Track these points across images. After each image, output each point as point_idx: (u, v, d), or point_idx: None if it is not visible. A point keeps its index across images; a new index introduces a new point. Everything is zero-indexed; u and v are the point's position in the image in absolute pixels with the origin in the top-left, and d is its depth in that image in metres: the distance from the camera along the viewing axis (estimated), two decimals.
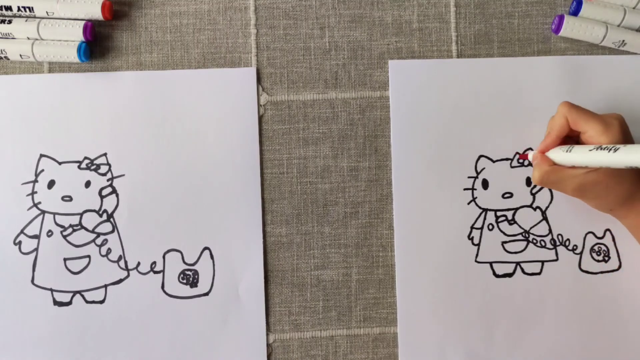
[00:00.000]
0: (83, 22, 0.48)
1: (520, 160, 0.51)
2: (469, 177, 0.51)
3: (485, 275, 0.50)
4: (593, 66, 0.51)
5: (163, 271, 0.49)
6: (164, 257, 0.49)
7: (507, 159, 0.51)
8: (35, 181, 0.49)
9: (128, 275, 0.49)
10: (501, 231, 0.50)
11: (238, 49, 0.51)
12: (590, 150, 0.42)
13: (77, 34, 0.48)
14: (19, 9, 0.48)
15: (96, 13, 0.48)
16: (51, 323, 0.48)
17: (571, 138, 0.46)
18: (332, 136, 0.51)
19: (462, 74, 0.51)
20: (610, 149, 0.40)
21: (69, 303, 0.48)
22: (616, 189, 0.44)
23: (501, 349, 0.50)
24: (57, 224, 0.49)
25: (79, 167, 0.49)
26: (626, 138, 0.44)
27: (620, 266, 0.51)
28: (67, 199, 0.49)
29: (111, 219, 0.49)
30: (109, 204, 0.49)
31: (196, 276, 0.49)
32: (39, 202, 0.49)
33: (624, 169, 0.43)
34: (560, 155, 0.45)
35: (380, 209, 0.51)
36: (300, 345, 0.50)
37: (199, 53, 0.51)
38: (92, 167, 0.49)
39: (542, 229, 0.51)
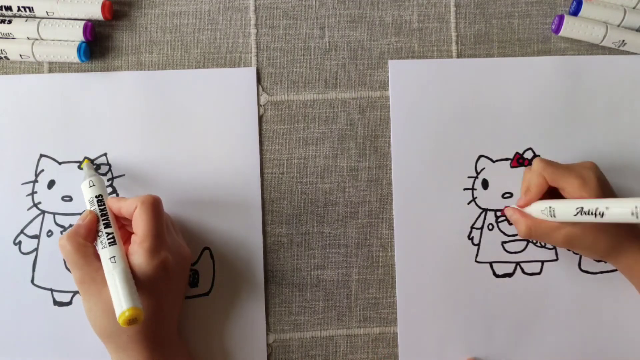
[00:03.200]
0: (83, 22, 0.48)
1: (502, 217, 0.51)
2: (469, 177, 0.51)
3: (485, 275, 0.50)
4: (593, 66, 0.51)
5: None
6: None
7: (507, 159, 0.51)
8: (35, 181, 0.49)
9: None
10: (501, 231, 0.51)
11: (238, 49, 0.51)
12: (575, 215, 0.41)
13: (77, 34, 0.48)
14: (19, 9, 0.48)
15: (96, 13, 0.48)
16: (51, 323, 0.48)
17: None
18: (332, 136, 0.51)
19: (462, 74, 0.51)
20: (597, 214, 0.39)
21: (69, 303, 0.48)
22: (603, 240, 0.45)
23: (501, 349, 0.50)
24: (57, 224, 0.49)
25: (79, 167, 0.49)
26: (603, 187, 0.44)
27: None
28: (67, 199, 0.49)
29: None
30: None
31: (196, 276, 0.49)
32: (39, 202, 0.49)
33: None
34: (543, 217, 0.45)
35: (380, 209, 0.51)
36: (300, 345, 0.50)
37: (199, 53, 0.51)
38: (92, 167, 0.49)
39: None
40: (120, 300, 0.38)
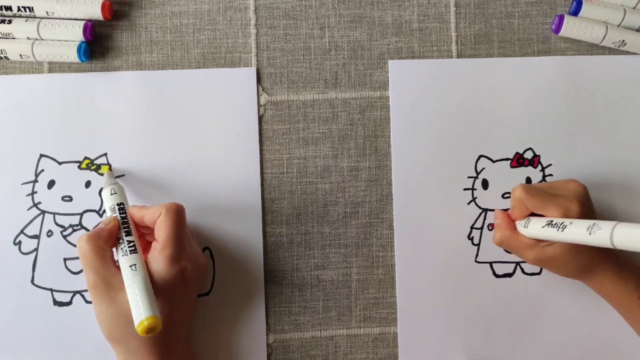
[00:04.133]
0: (83, 22, 0.48)
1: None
2: (469, 177, 0.51)
3: (485, 275, 0.50)
4: (593, 66, 0.51)
5: None
6: None
7: (507, 159, 0.51)
8: (35, 181, 0.49)
9: None
10: None
11: (238, 49, 0.51)
12: (543, 227, 0.43)
13: (77, 34, 0.48)
14: (19, 9, 0.48)
15: (96, 13, 0.48)
16: (51, 323, 0.48)
17: None
18: (332, 136, 0.51)
19: (462, 74, 0.51)
20: (559, 227, 0.41)
21: (69, 303, 0.48)
22: (573, 262, 0.45)
23: (501, 349, 0.50)
24: (57, 224, 0.49)
25: (79, 167, 0.49)
26: (587, 212, 0.44)
27: None
28: (67, 199, 0.49)
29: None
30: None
31: None
32: (39, 202, 0.49)
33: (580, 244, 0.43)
34: (519, 228, 0.46)
35: (380, 209, 0.51)
36: (300, 345, 0.50)
37: (199, 53, 0.51)
38: (92, 167, 0.49)
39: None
40: (140, 308, 0.38)
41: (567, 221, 0.41)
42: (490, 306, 0.50)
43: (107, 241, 0.42)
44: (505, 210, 0.49)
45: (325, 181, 0.51)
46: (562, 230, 0.40)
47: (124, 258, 0.41)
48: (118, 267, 0.41)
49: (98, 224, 0.45)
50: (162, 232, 0.41)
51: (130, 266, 0.40)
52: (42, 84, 0.50)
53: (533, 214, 0.46)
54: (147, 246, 0.45)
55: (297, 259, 0.50)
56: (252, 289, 0.49)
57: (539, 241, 0.45)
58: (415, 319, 0.50)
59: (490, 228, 0.50)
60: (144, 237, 0.46)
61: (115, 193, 0.45)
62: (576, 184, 0.46)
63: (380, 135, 0.51)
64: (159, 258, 0.41)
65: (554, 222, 0.42)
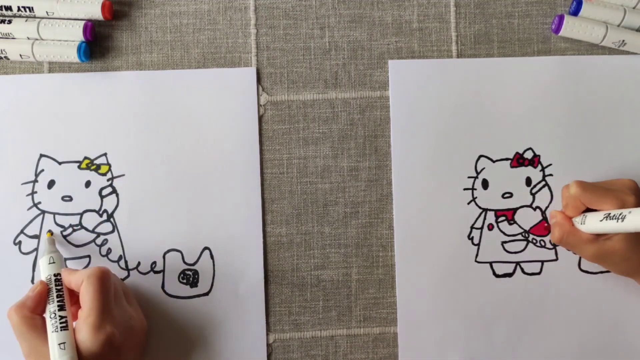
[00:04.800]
0: (83, 22, 0.48)
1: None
2: (469, 177, 0.51)
3: (485, 275, 0.50)
4: (593, 66, 0.51)
5: (163, 271, 0.49)
6: (164, 257, 0.49)
7: (507, 159, 0.51)
8: (35, 181, 0.49)
9: (128, 275, 0.49)
10: (501, 231, 0.50)
11: (238, 49, 0.51)
12: (601, 220, 0.42)
13: (77, 34, 0.48)
14: (19, 9, 0.48)
15: (96, 13, 0.48)
16: None
17: None
18: (332, 136, 0.51)
19: (462, 74, 0.51)
20: (619, 218, 0.40)
21: None
22: (633, 257, 0.44)
23: (501, 349, 0.50)
24: (57, 224, 0.49)
25: (79, 167, 0.49)
26: None
27: None
28: (67, 199, 0.49)
29: (111, 219, 0.49)
30: (109, 204, 0.49)
31: (196, 276, 0.49)
32: (39, 202, 0.49)
33: None
34: (577, 225, 0.46)
35: (380, 209, 0.51)
36: (300, 345, 0.50)
37: (199, 53, 0.51)
38: (92, 167, 0.49)
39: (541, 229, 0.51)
40: None
41: (625, 211, 0.40)
42: (490, 306, 0.50)
43: (34, 310, 0.42)
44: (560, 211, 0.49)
45: (325, 181, 0.51)
46: (622, 221, 0.40)
47: (53, 335, 0.40)
48: (47, 334, 0.41)
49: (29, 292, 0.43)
50: (85, 299, 0.41)
51: (60, 344, 0.40)
52: (42, 84, 0.50)
53: (587, 211, 0.46)
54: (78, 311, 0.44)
55: (297, 259, 0.50)
56: (252, 289, 0.49)
57: (598, 236, 0.44)
58: (415, 319, 0.50)
59: (490, 228, 0.50)
60: (78, 303, 0.43)
61: (54, 262, 0.44)
62: (628, 180, 0.46)
63: (380, 135, 0.51)
64: (83, 327, 0.40)
65: (611, 214, 0.41)
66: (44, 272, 0.44)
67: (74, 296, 0.44)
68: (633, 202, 0.43)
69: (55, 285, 0.43)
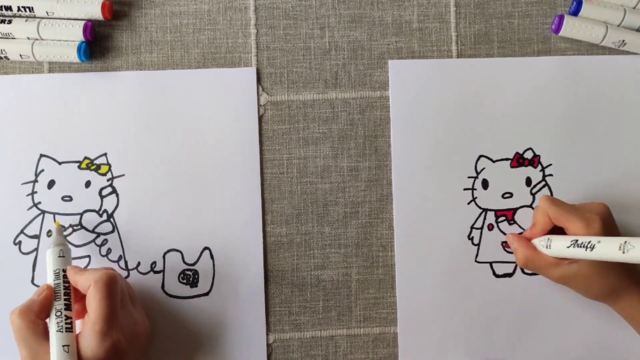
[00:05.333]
0: (83, 22, 0.48)
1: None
2: (469, 177, 0.51)
3: (485, 275, 0.50)
4: (593, 66, 0.51)
5: (163, 271, 0.49)
6: (164, 257, 0.49)
7: (507, 159, 0.51)
8: (35, 181, 0.49)
9: (128, 275, 0.49)
10: (501, 231, 0.50)
11: (238, 49, 0.51)
12: (568, 247, 0.42)
13: (77, 34, 0.48)
14: (19, 9, 0.48)
15: (96, 13, 0.48)
16: None
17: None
18: (332, 136, 0.51)
19: (462, 74, 0.51)
20: (587, 247, 0.40)
21: None
22: (599, 282, 0.44)
23: (501, 349, 0.50)
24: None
25: (79, 167, 0.49)
26: (610, 230, 0.44)
27: None
28: (67, 199, 0.49)
29: (111, 219, 0.49)
30: (109, 204, 0.49)
31: (196, 276, 0.49)
32: (39, 202, 0.49)
33: (607, 263, 0.43)
34: (541, 249, 0.46)
35: (380, 209, 0.51)
36: (300, 345, 0.50)
37: (199, 53, 0.51)
38: (92, 167, 0.49)
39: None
40: None
41: (594, 240, 0.40)
42: (490, 306, 0.50)
43: (39, 315, 0.41)
44: (519, 233, 0.49)
45: (325, 181, 0.51)
46: (591, 250, 0.40)
47: (58, 334, 0.40)
48: (49, 341, 0.40)
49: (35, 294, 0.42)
50: (92, 305, 0.40)
51: (64, 346, 0.39)
52: (42, 84, 0.50)
53: (553, 232, 0.46)
54: (83, 310, 0.44)
55: (297, 259, 0.50)
56: (252, 289, 0.49)
57: (562, 259, 0.44)
58: (415, 319, 0.50)
59: (490, 228, 0.50)
60: (83, 300, 0.43)
61: (63, 256, 0.43)
62: (600, 203, 0.45)
63: (380, 135, 0.51)
64: (90, 334, 0.40)
65: (580, 242, 0.41)
66: (53, 264, 0.43)
67: (78, 294, 0.43)
68: (599, 225, 0.43)
69: (64, 282, 0.42)
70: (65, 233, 0.49)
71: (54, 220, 0.49)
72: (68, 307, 0.41)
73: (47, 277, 0.43)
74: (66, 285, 0.42)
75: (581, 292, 0.46)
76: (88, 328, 0.40)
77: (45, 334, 0.41)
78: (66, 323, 0.40)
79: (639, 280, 0.45)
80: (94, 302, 0.40)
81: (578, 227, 0.43)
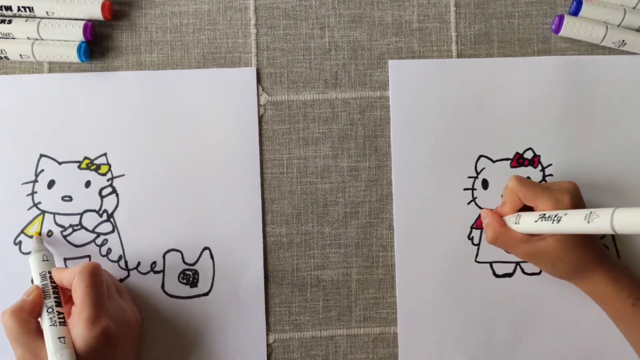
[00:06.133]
0: (83, 22, 0.48)
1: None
2: (469, 177, 0.51)
3: (485, 275, 0.50)
4: (593, 66, 0.51)
5: (163, 271, 0.49)
6: (164, 257, 0.49)
7: (507, 159, 0.51)
8: (35, 181, 0.49)
9: (128, 275, 0.49)
10: None
11: (238, 49, 0.51)
12: (536, 221, 0.42)
13: (77, 34, 0.48)
14: (19, 9, 0.48)
15: (96, 13, 0.48)
16: None
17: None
18: (332, 136, 0.51)
19: (462, 74, 0.51)
20: (554, 219, 0.40)
21: None
22: (566, 258, 0.44)
23: (501, 349, 0.50)
24: (57, 224, 0.49)
25: (79, 167, 0.49)
26: (578, 207, 0.44)
27: None
28: (67, 199, 0.49)
29: (111, 219, 0.49)
30: (109, 204, 0.49)
31: (196, 276, 0.49)
32: (39, 202, 0.49)
33: (574, 239, 0.43)
34: (510, 225, 0.46)
35: (380, 209, 0.51)
36: (300, 345, 0.50)
37: (199, 53, 0.51)
38: (92, 167, 0.49)
39: None
40: None
41: (561, 213, 0.40)
42: (490, 306, 0.50)
43: (30, 313, 0.41)
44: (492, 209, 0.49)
45: (325, 181, 0.51)
46: (558, 222, 0.40)
47: (52, 329, 0.40)
48: (42, 338, 0.40)
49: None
50: (78, 294, 0.41)
51: (60, 338, 0.40)
52: (42, 84, 0.50)
53: (523, 209, 0.46)
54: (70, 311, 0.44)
55: (297, 259, 0.50)
56: (252, 289, 0.49)
57: (532, 236, 0.44)
58: (415, 319, 0.50)
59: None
60: (71, 301, 0.43)
61: (47, 260, 0.44)
62: (569, 182, 0.46)
63: (380, 135, 0.51)
64: (78, 322, 0.40)
65: (547, 215, 0.41)
66: (38, 268, 0.44)
67: (66, 295, 0.44)
68: (568, 201, 0.43)
69: (51, 281, 0.43)
70: (65, 233, 0.49)
71: (54, 221, 0.49)
72: (58, 304, 0.42)
73: (34, 281, 0.44)
74: (53, 285, 0.43)
75: (548, 270, 0.47)
76: (76, 317, 0.40)
77: (38, 331, 0.41)
78: (59, 317, 0.41)
79: (604, 259, 0.45)
80: (79, 291, 0.41)
81: (547, 205, 0.43)
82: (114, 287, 0.45)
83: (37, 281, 0.43)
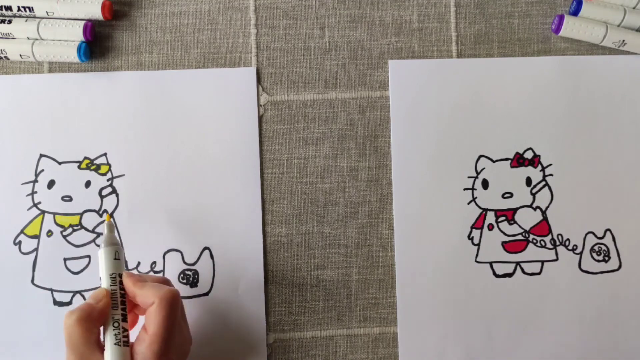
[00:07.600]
0: (83, 22, 0.48)
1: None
2: (469, 177, 0.51)
3: (485, 275, 0.50)
4: (593, 66, 0.51)
5: (163, 271, 0.49)
6: (164, 257, 0.49)
7: (507, 159, 0.51)
8: (35, 181, 0.49)
9: None
10: (501, 231, 0.50)
11: (238, 49, 0.51)
12: None
13: (77, 34, 0.48)
14: (19, 9, 0.48)
15: (96, 13, 0.48)
16: (51, 323, 0.48)
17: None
18: (332, 136, 0.51)
19: (462, 74, 0.51)
20: None
21: (69, 303, 0.48)
22: None
23: (501, 349, 0.50)
24: (57, 224, 0.49)
25: (79, 167, 0.49)
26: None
27: (620, 266, 0.51)
28: (67, 199, 0.49)
29: (111, 219, 0.49)
30: (109, 204, 0.49)
31: (196, 276, 0.49)
32: (39, 202, 0.49)
33: None
34: None
35: (380, 209, 0.51)
36: (300, 345, 0.50)
37: (199, 53, 0.51)
38: (92, 167, 0.49)
39: (542, 229, 0.51)
40: None
41: None
42: (490, 306, 0.50)
43: (97, 322, 0.39)
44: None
45: (325, 181, 0.51)
46: None
47: (115, 347, 0.38)
48: (101, 350, 0.38)
49: (91, 296, 0.40)
50: (152, 324, 0.38)
51: None
52: (42, 84, 0.50)
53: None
54: (134, 319, 0.43)
55: (297, 259, 0.50)
56: (252, 289, 0.49)
57: None
58: (415, 319, 0.50)
59: (490, 228, 0.50)
60: (133, 310, 0.42)
61: (119, 259, 0.40)
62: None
63: (380, 135, 0.51)
64: (146, 353, 0.38)
65: None
66: (109, 268, 0.40)
67: (129, 302, 0.41)
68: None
69: (120, 289, 0.40)
70: (65, 233, 0.49)
71: (54, 221, 0.49)
72: (124, 318, 0.39)
73: (102, 280, 0.40)
74: (122, 292, 0.40)
75: None
76: (146, 346, 0.38)
77: (97, 343, 0.39)
78: (123, 336, 0.39)
79: None
80: (155, 321, 0.38)
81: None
82: (185, 315, 0.43)
83: (106, 283, 0.40)
